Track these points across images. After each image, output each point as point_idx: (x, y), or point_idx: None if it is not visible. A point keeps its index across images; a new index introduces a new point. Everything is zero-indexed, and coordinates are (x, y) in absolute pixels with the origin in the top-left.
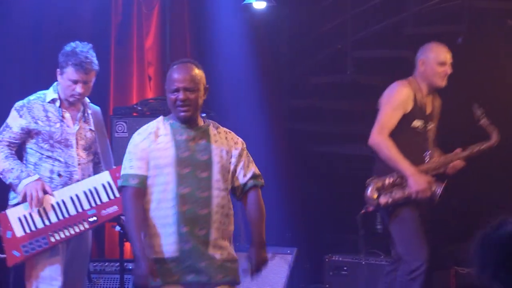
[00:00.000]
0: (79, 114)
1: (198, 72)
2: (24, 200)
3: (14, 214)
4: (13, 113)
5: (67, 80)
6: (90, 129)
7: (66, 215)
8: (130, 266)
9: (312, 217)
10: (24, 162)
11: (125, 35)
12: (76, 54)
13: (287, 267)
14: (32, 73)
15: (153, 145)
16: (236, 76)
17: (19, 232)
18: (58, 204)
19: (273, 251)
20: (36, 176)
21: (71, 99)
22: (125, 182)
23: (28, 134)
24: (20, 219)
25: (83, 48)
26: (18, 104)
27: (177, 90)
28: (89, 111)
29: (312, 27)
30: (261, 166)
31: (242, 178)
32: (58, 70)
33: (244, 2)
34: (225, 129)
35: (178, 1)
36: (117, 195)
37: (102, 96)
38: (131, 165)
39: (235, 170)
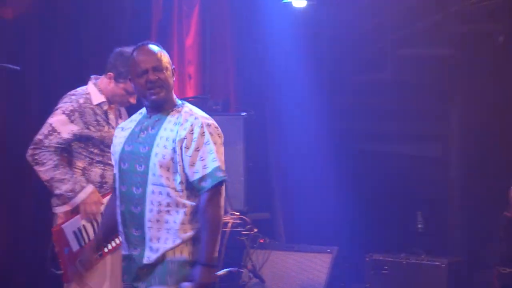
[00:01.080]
0: (117, 114)
1: (162, 52)
2: (82, 214)
3: (69, 228)
4: (61, 117)
5: (123, 89)
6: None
7: None
8: None
9: (353, 215)
10: (71, 166)
11: (166, 33)
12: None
13: (328, 265)
14: (73, 69)
15: (115, 140)
16: (278, 75)
17: (75, 247)
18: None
19: (314, 250)
20: (91, 188)
21: (121, 105)
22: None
23: (78, 139)
24: (75, 233)
25: None
26: (67, 107)
27: (145, 72)
28: (120, 112)
29: (352, 26)
30: (306, 164)
31: (190, 176)
32: (111, 74)
33: (284, 1)
34: (193, 112)
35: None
36: None
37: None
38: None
39: (182, 164)
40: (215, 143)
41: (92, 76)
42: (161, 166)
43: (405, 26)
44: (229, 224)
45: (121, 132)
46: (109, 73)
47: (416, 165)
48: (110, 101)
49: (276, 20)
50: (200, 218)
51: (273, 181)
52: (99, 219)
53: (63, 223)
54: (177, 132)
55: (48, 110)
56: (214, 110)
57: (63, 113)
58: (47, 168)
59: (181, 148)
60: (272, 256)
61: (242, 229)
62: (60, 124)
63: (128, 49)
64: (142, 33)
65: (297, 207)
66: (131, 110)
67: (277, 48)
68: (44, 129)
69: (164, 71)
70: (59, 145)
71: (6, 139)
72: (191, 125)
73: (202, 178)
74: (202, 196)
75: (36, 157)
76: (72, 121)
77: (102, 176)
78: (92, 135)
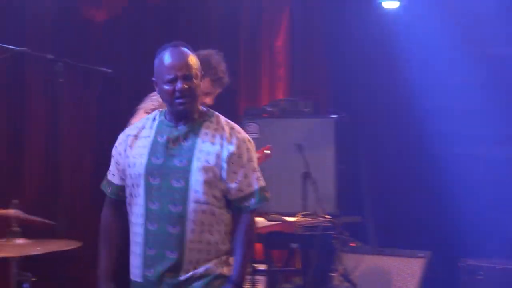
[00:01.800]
0: None
1: (193, 56)
2: None
3: None
4: (143, 115)
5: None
6: None
7: None
8: (261, 267)
9: (446, 219)
10: None
11: (255, 35)
12: (215, 68)
13: (420, 270)
14: None
15: (128, 151)
16: (368, 77)
17: None
18: None
19: (406, 254)
20: None
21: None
22: (104, 187)
23: None
24: None
25: (220, 62)
26: (148, 106)
27: (174, 80)
28: None
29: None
30: (397, 166)
31: (233, 194)
32: None
33: (379, 1)
34: (231, 124)
35: (309, 1)
36: None
37: (231, 97)
38: (110, 169)
39: (225, 180)
40: (255, 161)
41: None
42: (204, 182)
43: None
44: (320, 228)
45: (137, 141)
46: None
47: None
48: None
49: (366, 21)
50: (239, 238)
51: (364, 184)
52: None
53: None
54: (222, 147)
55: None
56: (304, 113)
57: (145, 112)
58: None
59: (228, 164)
60: (363, 260)
61: (333, 232)
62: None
63: (203, 52)
64: (231, 34)
65: (388, 210)
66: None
67: (367, 49)
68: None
69: (194, 79)
70: None
71: (103, 139)
72: (237, 140)
73: (246, 197)
74: (244, 215)
75: None
76: None
77: None
78: None
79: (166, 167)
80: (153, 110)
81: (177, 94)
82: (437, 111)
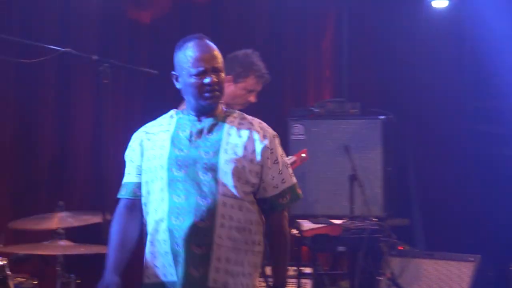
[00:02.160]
0: None
1: (217, 49)
2: None
3: None
4: None
5: (243, 89)
6: None
7: None
8: (307, 270)
9: (496, 222)
10: None
11: (301, 35)
12: (258, 65)
13: (469, 274)
14: None
15: (145, 144)
16: (416, 77)
17: None
18: None
19: (455, 258)
20: None
21: (239, 107)
22: (119, 195)
23: None
24: None
25: (259, 60)
26: None
27: (203, 72)
28: None
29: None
30: (446, 168)
31: (268, 190)
32: (230, 77)
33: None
34: (258, 120)
35: (356, 2)
36: None
37: (277, 98)
38: (125, 174)
39: (261, 176)
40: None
41: None
42: (233, 175)
43: None
44: (367, 231)
45: (155, 136)
46: (227, 77)
47: None
48: (228, 104)
49: (415, 20)
50: (277, 240)
51: (412, 186)
52: None
53: None
54: (251, 140)
55: None
56: (351, 114)
57: None
58: None
59: (262, 158)
60: (412, 264)
61: (381, 235)
62: None
63: (241, 52)
64: (276, 36)
65: (437, 213)
66: None
67: (416, 49)
68: None
69: (221, 72)
70: None
71: None
72: (269, 135)
73: (281, 194)
74: (280, 214)
75: None
76: None
77: None
78: None
79: (190, 158)
80: None
81: (207, 87)
82: (487, 111)
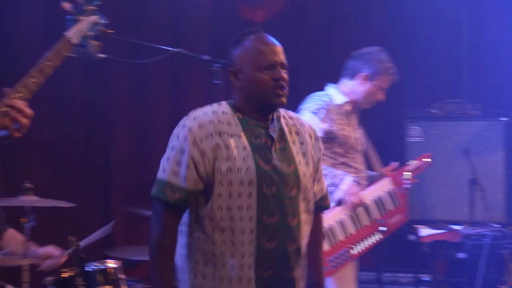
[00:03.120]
0: (356, 119)
1: None
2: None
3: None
4: (308, 115)
5: (377, 87)
6: (361, 133)
7: (362, 226)
8: (425, 277)
9: None
10: None
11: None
12: (389, 63)
13: None
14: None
15: (220, 151)
16: None
17: (324, 246)
18: (353, 215)
19: None
20: (350, 178)
21: (367, 106)
22: (161, 193)
23: (324, 139)
24: (325, 232)
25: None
26: (313, 106)
27: (274, 66)
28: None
29: None
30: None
31: (316, 194)
32: (364, 74)
33: None
34: (294, 115)
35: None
36: (400, 202)
37: (392, 97)
38: (171, 170)
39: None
40: None
41: (329, 84)
42: (310, 188)
43: None
44: (489, 237)
45: (228, 141)
46: (360, 74)
47: None
48: (358, 103)
49: None
50: (317, 240)
51: None
52: (360, 210)
53: None
54: (311, 145)
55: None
56: (471, 115)
57: (311, 112)
58: None
59: (319, 163)
60: None
61: (503, 242)
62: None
63: (370, 48)
64: (394, 35)
65: None
66: None
67: None
68: None
69: (286, 70)
70: None
71: None
72: (315, 132)
73: (325, 196)
74: (320, 215)
75: None
76: (321, 119)
77: None
78: (337, 134)
79: (277, 174)
80: (318, 109)
81: (280, 83)
82: None
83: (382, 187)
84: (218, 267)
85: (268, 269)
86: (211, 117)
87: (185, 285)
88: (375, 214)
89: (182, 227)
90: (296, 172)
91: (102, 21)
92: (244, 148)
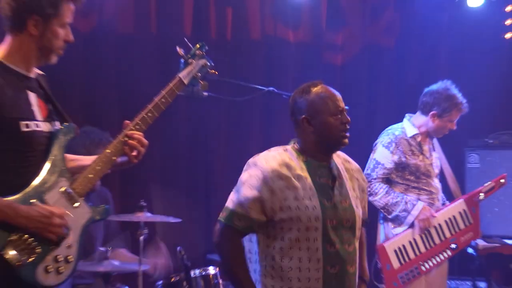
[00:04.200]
0: (430, 146)
1: None
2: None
3: (391, 247)
4: (381, 149)
5: (448, 121)
6: (437, 158)
7: (432, 245)
8: (481, 285)
9: None
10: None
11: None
12: (459, 97)
13: None
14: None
15: (290, 193)
16: None
17: (395, 264)
18: (424, 235)
19: None
20: (421, 204)
21: (439, 136)
22: (229, 221)
23: (396, 168)
24: (395, 252)
25: (457, 91)
26: (385, 140)
27: (341, 112)
28: (433, 144)
29: None
30: None
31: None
32: (435, 112)
33: None
34: (340, 153)
35: None
36: (472, 221)
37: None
38: (241, 202)
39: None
40: None
41: (407, 114)
42: (360, 218)
43: None
44: None
45: (296, 182)
46: (433, 112)
47: None
48: (430, 134)
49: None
50: (364, 244)
51: None
52: (432, 230)
53: (385, 241)
54: (359, 180)
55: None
56: None
57: (383, 146)
58: (380, 196)
59: (363, 194)
60: None
61: None
62: (383, 156)
63: (439, 87)
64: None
65: None
66: None
67: None
68: (370, 164)
69: None
70: (384, 175)
71: None
72: (359, 169)
73: (366, 217)
74: (363, 229)
75: (368, 189)
76: (391, 152)
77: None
78: (408, 163)
79: (337, 209)
80: (389, 143)
81: (347, 126)
82: None
83: (456, 208)
84: (284, 284)
85: None
86: (279, 161)
87: None
88: (447, 233)
89: (252, 256)
90: (351, 207)
91: (209, 64)
92: (310, 188)
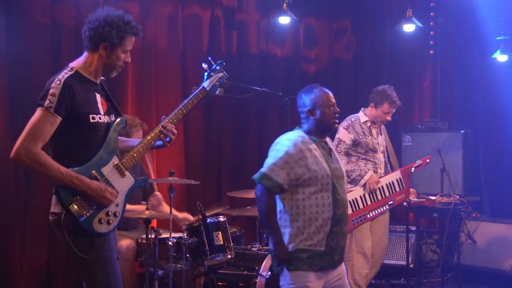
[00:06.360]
0: (378, 130)
1: None
2: (366, 189)
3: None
4: (342, 130)
5: (381, 111)
6: (383, 139)
7: (376, 200)
8: (412, 228)
9: None
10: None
11: (410, 79)
12: (391, 95)
13: None
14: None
15: (312, 159)
16: (488, 101)
17: (349, 211)
18: (371, 193)
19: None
20: (371, 172)
21: (381, 123)
22: (260, 180)
23: (353, 144)
24: (350, 202)
25: (393, 92)
26: (345, 124)
27: (333, 105)
28: (380, 129)
29: None
30: (504, 165)
31: None
32: (372, 103)
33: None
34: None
35: (448, 49)
36: (404, 186)
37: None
38: (272, 169)
39: None
40: None
41: (362, 108)
42: (345, 176)
43: None
44: (452, 203)
45: (311, 152)
46: (371, 103)
47: None
48: (373, 121)
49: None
50: None
51: (482, 176)
52: (377, 190)
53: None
54: (336, 152)
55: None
56: (442, 129)
57: (343, 128)
58: (342, 165)
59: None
60: (481, 226)
61: (461, 207)
62: (343, 135)
63: (379, 87)
64: (396, 78)
65: (499, 192)
66: None
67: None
68: (335, 142)
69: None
70: (345, 150)
71: None
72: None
73: None
74: None
75: None
76: (349, 132)
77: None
78: (360, 141)
79: (337, 170)
80: (347, 126)
81: (337, 115)
82: None
83: (394, 176)
84: (306, 224)
85: (336, 225)
86: (298, 139)
87: (286, 233)
88: (387, 193)
89: (281, 212)
90: (341, 168)
91: (225, 76)
92: (320, 156)
